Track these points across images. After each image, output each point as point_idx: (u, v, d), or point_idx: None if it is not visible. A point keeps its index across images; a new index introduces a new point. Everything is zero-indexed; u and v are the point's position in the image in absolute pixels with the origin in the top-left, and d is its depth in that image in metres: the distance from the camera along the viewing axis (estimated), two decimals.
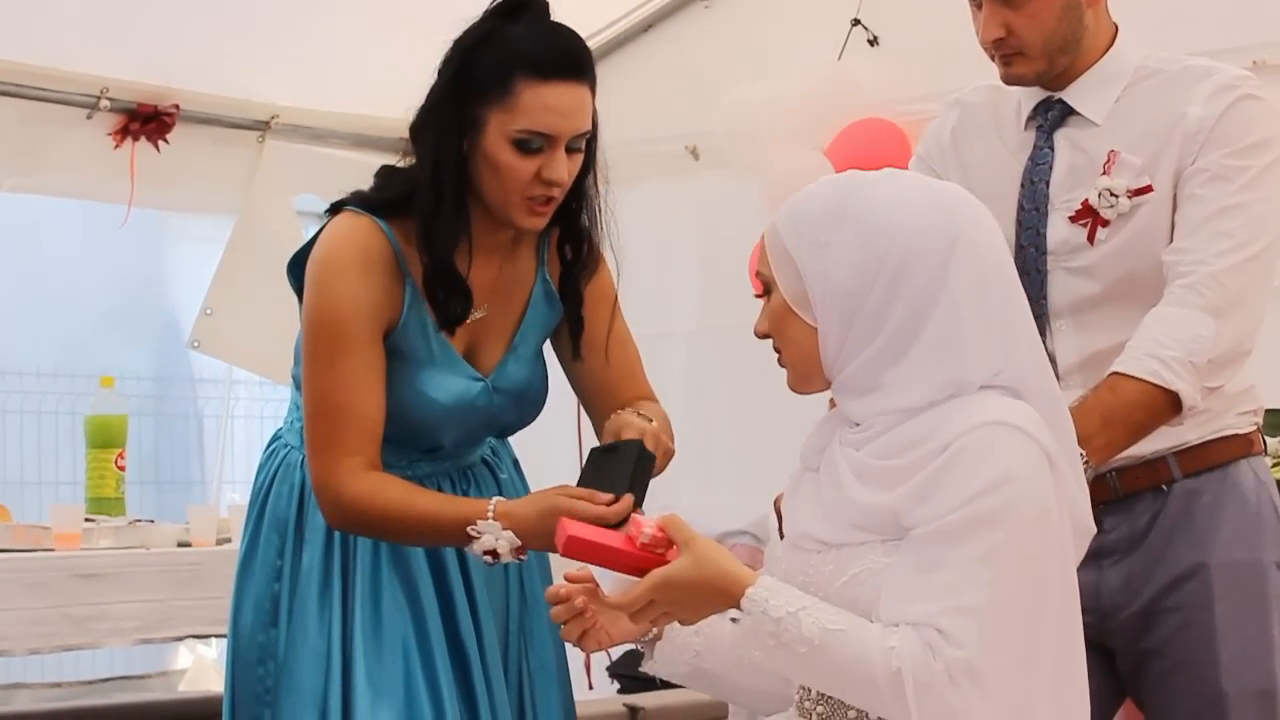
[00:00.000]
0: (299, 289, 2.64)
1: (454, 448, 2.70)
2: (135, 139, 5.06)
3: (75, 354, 5.63)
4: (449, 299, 2.58)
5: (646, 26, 5.82)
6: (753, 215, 4.89)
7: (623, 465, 2.48)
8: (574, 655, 6.03)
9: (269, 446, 2.80)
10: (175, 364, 5.96)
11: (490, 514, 2.47)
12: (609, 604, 2.18)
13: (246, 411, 6.07)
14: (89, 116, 4.98)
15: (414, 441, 2.65)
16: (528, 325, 2.71)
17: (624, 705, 4.53)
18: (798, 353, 2.22)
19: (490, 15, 2.56)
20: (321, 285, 2.57)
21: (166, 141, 5.11)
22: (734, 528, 5.13)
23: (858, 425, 2.21)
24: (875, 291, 2.14)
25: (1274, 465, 3.58)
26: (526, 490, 2.83)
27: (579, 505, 2.42)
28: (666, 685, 5.04)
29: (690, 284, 5.64)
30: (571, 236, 2.69)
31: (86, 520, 3.80)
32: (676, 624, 2.31)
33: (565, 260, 2.71)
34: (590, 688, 5.53)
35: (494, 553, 2.47)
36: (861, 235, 2.15)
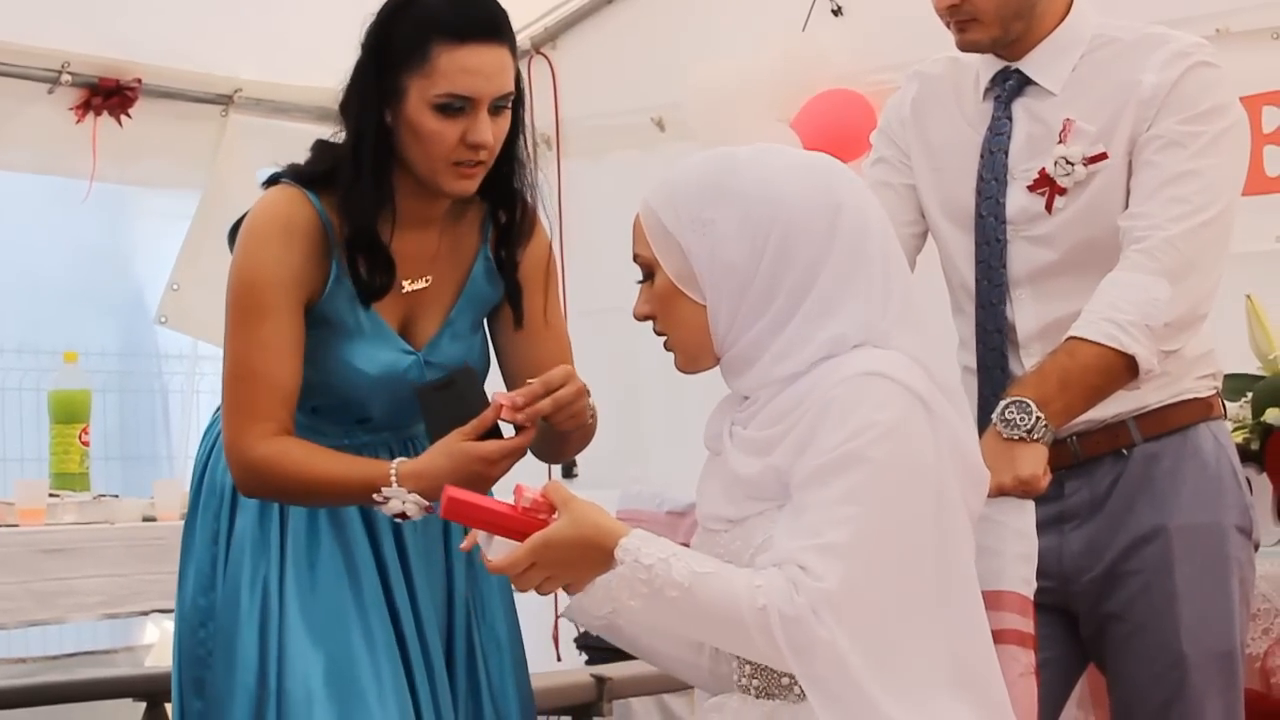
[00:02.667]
0: None
1: (385, 418, 2.69)
2: (97, 114, 5.04)
3: (39, 330, 5.60)
4: (370, 272, 2.58)
5: None
6: None
7: (464, 396, 2.49)
8: (541, 626, 6.07)
9: (215, 415, 2.80)
10: (140, 339, 5.93)
11: (393, 478, 2.48)
12: (491, 568, 2.17)
13: (212, 387, 6.01)
14: (50, 91, 4.95)
15: (345, 412, 2.66)
16: (465, 300, 2.71)
17: (591, 675, 4.54)
18: (687, 333, 2.24)
19: None
20: (243, 253, 2.59)
21: (129, 116, 5.09)
22: None
23: (746, 400, 2.23)
24: (764, 264, 2.16)
25: (1235, 430, 3.61)
26: None
27: (486, 446, 2.45)
28: (634, 656, 5.07)
29: None
30: (504, 201, 2.69)
31: (51, 495, 3.80)
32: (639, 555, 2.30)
33: (500, 225, 2.71)
34: (559, 659, 5.55)
35: (403, 515, 2.49)
36: (745, 210, 2.17)
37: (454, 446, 2.47)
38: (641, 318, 2.28)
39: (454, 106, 2.52)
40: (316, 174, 2.61)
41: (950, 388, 2.22)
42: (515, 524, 2.17)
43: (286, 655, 2.58)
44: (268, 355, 2.56)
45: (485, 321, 2.78)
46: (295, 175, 2.62)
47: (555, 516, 2.15)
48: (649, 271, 2.26)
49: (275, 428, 2.55)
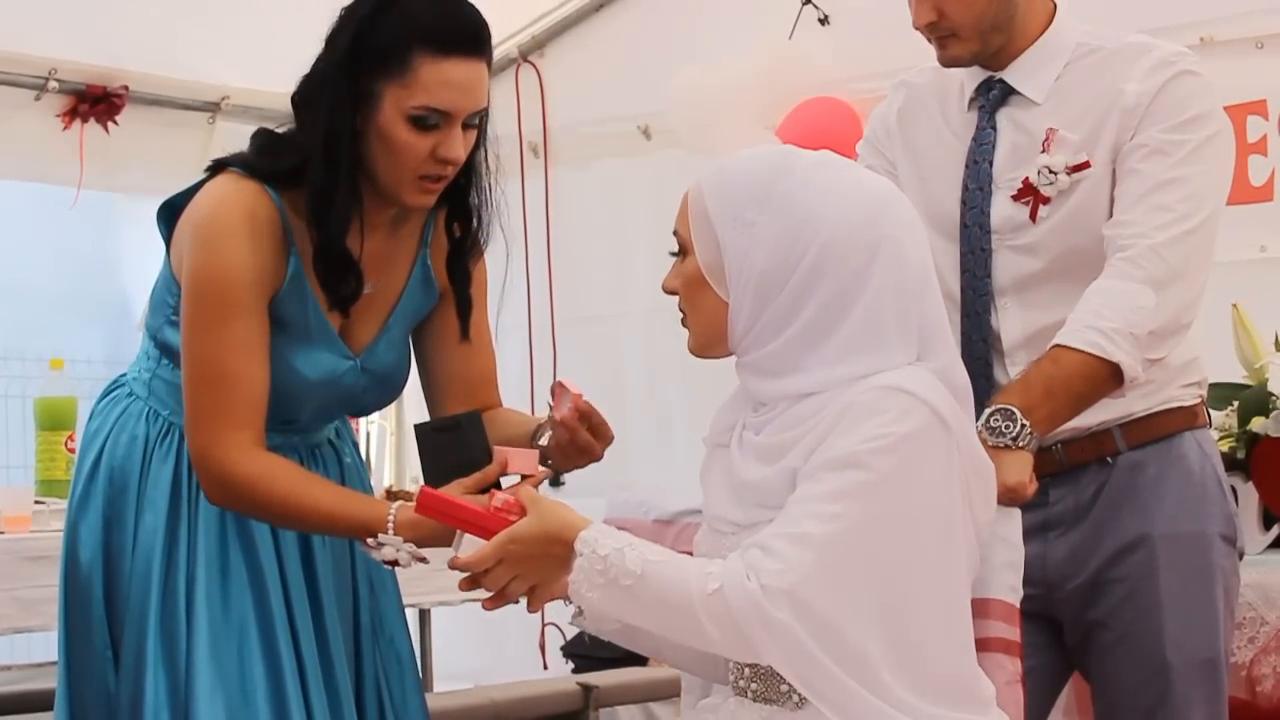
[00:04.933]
0: (167, 238, 2.57)
1: (308, 422, 2.64)
2: (84, 120, 5.05)
3: (26, 337, 5.60)
4: (341, 280, 2.51)
5: (598, 6, 5.83)
6: None
7: (469, 442, 2.45)
8: (528, 635, 6.07)
9: (108, 394, 2.70)
10: (127, 347, 5.91)
11: (391, 527, 2.41)
12: (459, 565, 2.17)
13: None
14: (37, 98, 4.96)
15: (272, 413, 2.54)
16: (402, 308, 2.66)
17: (578, 684, 4.55)
18: (704, 321, 2.22)
19: None
20: (208, 245, 2.47)
21: (116, 123, 5.10)
22: (689, 506, 5.15)
23: (763, 405, 2.21)
24: (794, 279, 2.13)
25: (1221, 438, 3.62)
26: (366, 475, 2.80)
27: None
28: (620, 664, 5.08)
29: (643, 264, 5.65)
30: (461, 214, 2.63)
31: (36, 502, 3.80)
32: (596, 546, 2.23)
33: (454, 239, 2.65)
34: (545, 667, 5.55)
35: (394, 562, 2.43)
36: (788, 221, 2.14)
37: None
38: (668, 291, 2.26)
39: (430, 121, 2.45)
40: (277, 171, 2.50)
41: (962, 394, 2.21)
42: (486, 521, 2.17)
43: (194, 690, 2.48)
44: (240, 357, 2.46)
45: (414, 330, 2.72)
46: (251, 168, 2.51)
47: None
48: (683, 250, 2.23)
49: (253, 437, 2.47)
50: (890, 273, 2.14)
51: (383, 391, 2.69)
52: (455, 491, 2.37)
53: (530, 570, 2.15)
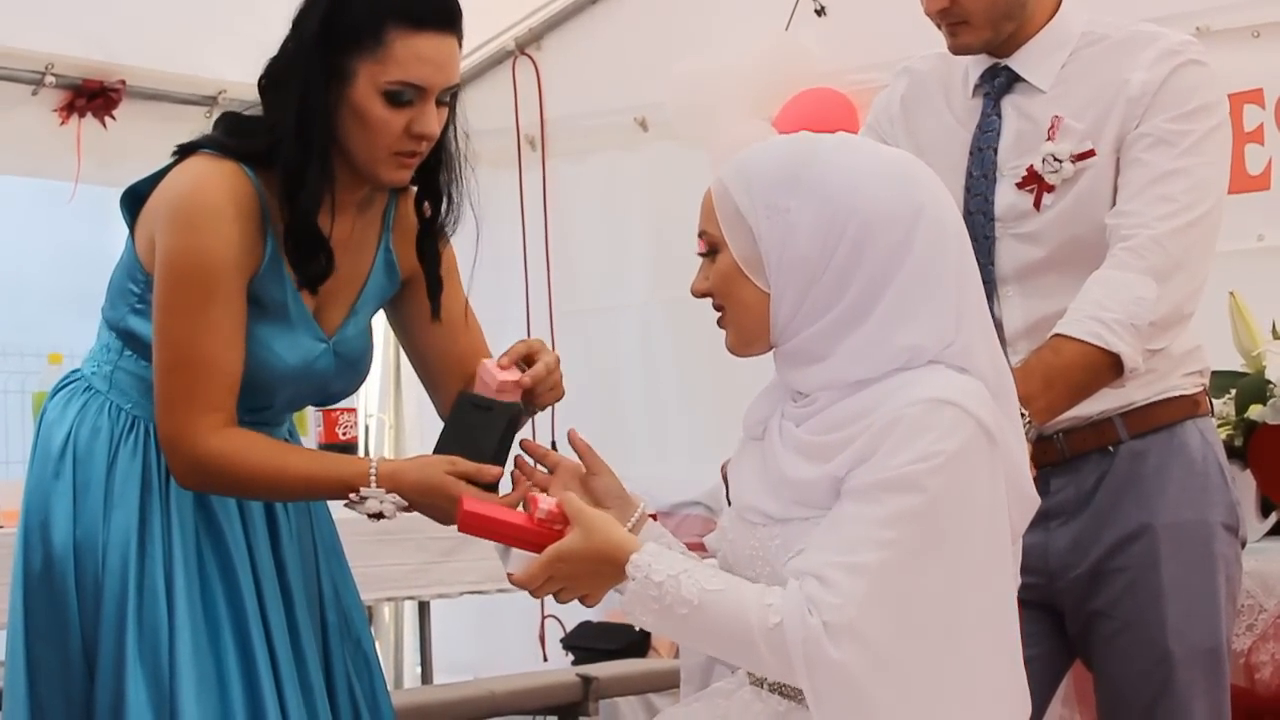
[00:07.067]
0: (131, 224, 2.55)
1: (278, 411, 2.62)
2: (81, 115, 5.05)
3: (25, 332, 5.60)
4: (311, 257, 2.49)
5: None
6: (702, 186, 4.88)
7: (492, 430, 2.45)
8: (528, 627, 6.06)
9: (62, 388, 2.64)
10: None
11: (373, 479, 2.43)
12: (513, 582, 2.17)
13: None
14: (34, 93, 4.96)
15: (245, 398, 2.50)
16: (368, 292, 2.64)
17: (577, 676, 4.55)
18: (745, 316, 2.18)
19: None
20: (189, 227, 2.44)
21: (113, 118, 5.10)
22: (687, 498, 5.16)
23: (802, 396, 2.18)
24: (836, 259, 2.10)
25: (1219, 426, 3.62)
26: None
27: (462, 485, 2.41)
28: (620, 655, 5.07)
29: (641, 256, 5.66)
30: (431, 193, 2.61)
31: None
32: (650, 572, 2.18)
33: (424, 218, 2.63)
34: (545, 659, 5.56)
35: (380, 515, 2.44)
36: (823, 202, 2.11)
37: (437, 476, 2.43)
38: (700, 294, 2.22)
39: (404, 96, 2.44)
40: (252, 151, 2.48)
41: (1009, 408, 2.18)
42: (531, 536, 2.17)
43: (178, 690, 2.46)
44: (217, 341, 2.43)
45: (386, 314, 2.72)
46: (227, 149, 2.49)
47: (570, 528, 2.15)
48: (713, 249, 2.20)
49: (225, 418, 2.44)
50: (931, 237, 2.11)
51: (350, 377, 2.67)
52: (442, 467, 2.39)
53: (576, 583, 2.15)
